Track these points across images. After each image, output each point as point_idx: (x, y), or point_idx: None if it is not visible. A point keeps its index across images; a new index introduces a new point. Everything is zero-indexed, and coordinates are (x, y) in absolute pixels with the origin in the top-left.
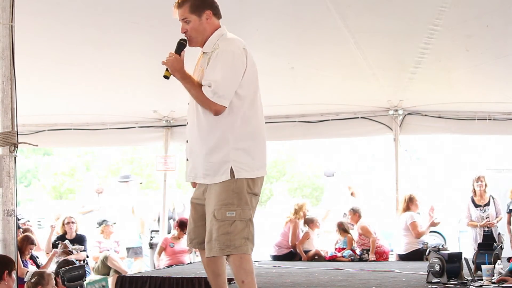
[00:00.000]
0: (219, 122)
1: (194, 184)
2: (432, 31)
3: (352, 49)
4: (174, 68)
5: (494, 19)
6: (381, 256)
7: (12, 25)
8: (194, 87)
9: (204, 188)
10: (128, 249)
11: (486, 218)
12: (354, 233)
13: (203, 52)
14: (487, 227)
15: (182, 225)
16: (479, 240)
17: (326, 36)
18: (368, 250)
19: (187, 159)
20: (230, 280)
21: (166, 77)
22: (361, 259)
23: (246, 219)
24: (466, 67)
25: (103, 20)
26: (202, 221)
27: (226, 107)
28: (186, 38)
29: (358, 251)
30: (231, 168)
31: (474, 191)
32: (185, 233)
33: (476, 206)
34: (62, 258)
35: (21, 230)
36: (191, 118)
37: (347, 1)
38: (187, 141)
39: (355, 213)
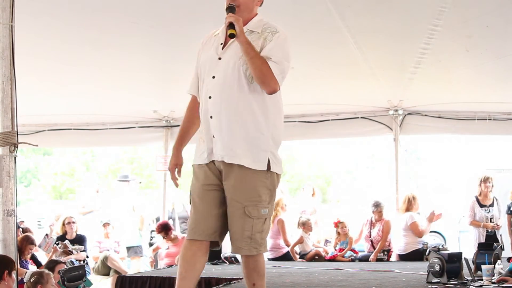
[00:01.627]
0: (266, 107)
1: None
2: (432, 31)
3: (352, 49)
4: (241, 28)
5: (494, 19)
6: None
7: (12, 25)
8: (258, 55)
9: (218, 173)
10: (128, 248)
11: (491, 218)
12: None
13: (251, 31)
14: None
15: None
16: (482, 241)
17: (326, 36)
18: (386, 251)
19: (214, 136)
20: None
21: (233, 35)
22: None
23: (270, 216)
24: (466, 67)
25: (103, 20)
26: (216, 209)
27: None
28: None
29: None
30: (269, 159)
31: (480, 191)
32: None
33: (481, 206)
34: (63, 257)
35: (20, 230)
36: (224, 92)
37: (347, 1)
38: (211, 117)
39: (379, 209)
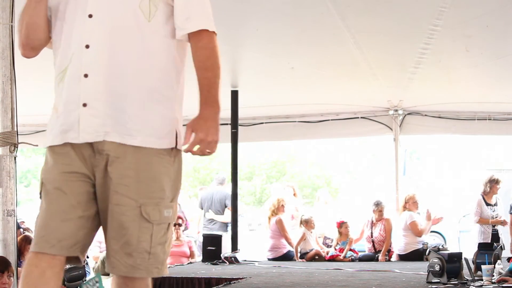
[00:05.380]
0: (172, 55)
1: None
2: (432, 31)
3: (352, 49)
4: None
5: (494, 19)
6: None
7: (12, 25)
8: (214, 78)
9: (88, 158)
10: None
11: (495, 217)
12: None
13: None
14: (494, 226)
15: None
16: (488, 239)
17: (326, 36)
18: (387, 250)
19: (85, 104)
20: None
21: None
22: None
23: (174, 220)
24: (466, 67)
25: None
26: (81, 210)
27: None
28: None
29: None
30: (176, 132)
31: (488, 191)
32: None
33: (488, 204)
34: None
35: (21, 230)
36: (113, 38)
37: (347, 1)
38: (85, 75)
39: (379, 208)
